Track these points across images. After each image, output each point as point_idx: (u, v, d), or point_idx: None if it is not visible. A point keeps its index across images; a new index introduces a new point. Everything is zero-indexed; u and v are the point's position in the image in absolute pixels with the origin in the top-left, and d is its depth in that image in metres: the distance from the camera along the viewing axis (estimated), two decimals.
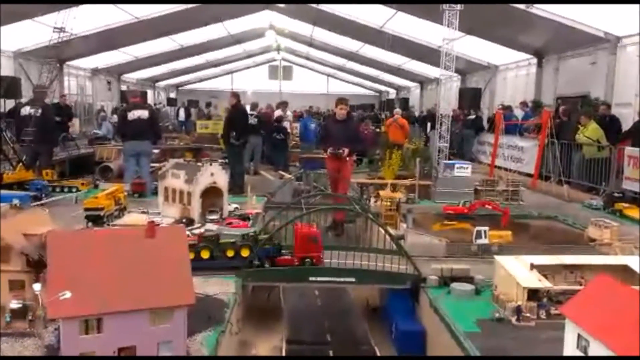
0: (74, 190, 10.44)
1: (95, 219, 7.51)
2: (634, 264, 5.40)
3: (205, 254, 5.92)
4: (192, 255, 5.75)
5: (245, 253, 5.98)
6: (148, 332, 3.72)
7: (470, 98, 20.29)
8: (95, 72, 28.06)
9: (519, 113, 18.82)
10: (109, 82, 29.26)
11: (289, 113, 18.89)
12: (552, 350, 3.96)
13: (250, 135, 14.53)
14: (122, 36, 22.62)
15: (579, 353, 3.80)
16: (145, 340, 3.72)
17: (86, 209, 7.57)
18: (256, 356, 5.28)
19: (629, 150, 11.42)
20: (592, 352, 3.66)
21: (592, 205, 10.40)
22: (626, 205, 9.73)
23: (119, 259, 3.81)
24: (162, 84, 40.03)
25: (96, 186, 11.26)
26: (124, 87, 30.81)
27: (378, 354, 5.71)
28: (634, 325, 3.44)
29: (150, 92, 34.93)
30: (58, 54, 12.72)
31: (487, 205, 9.21)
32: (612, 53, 15.49)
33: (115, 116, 21.73)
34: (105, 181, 12.26)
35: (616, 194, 10.27)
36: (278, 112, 18.89)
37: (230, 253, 5.96)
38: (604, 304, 3.74)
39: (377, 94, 44.15)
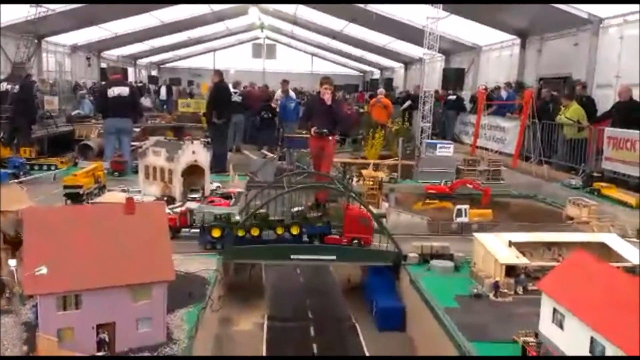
0: (52, 168, 10.29)
1: (75, 197, 7.42)
2: (611, 242, 5.51)
3: (255, 232, 6.04)
4: (242, 233, 5.94)
5: (295, 231, 6.09)
6: (127, 309, 3.71)
7: (454, 78, 20.29)
8: (75, 48, 27.47)
9: (502, 93, 18.90)
10: (88, 59, 28.67)
11: (291, 93, 18.65)
12: (528, 325, 4.03)
13: (233, 114, 14.58)
14: (102, 12, 22.13)
15: (554, 327, 3.88)
16: (125, 316, 3.71)
17: (65, 187, 7.48)
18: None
19: (609, 130, 11.54)
20: (567, 326, 3.73)
21: (571, 185, 10.53)
22: (604, 184, 9.87)
23: (97, 235, 3.78)
24: (143, 61, 39.37)
25: (75, 164, 11.11)
26: (104, 65, 30.25)
27: (359, 330, 5.77)
28: (609, 300, 3.51)
29: (131, 70, 34.36)
30: (36, 30, 12.41)
31: (468, 185, 9.31)
32: (594, 34, 15.55)
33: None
34: (85, 159, 12.08)
35: (595, 174, 10.41)
36: (279, 92, 18.71)
37: (279, 231, 6.08)
38: (580, 280, 3.81)
39: (362, 74, 43.97)
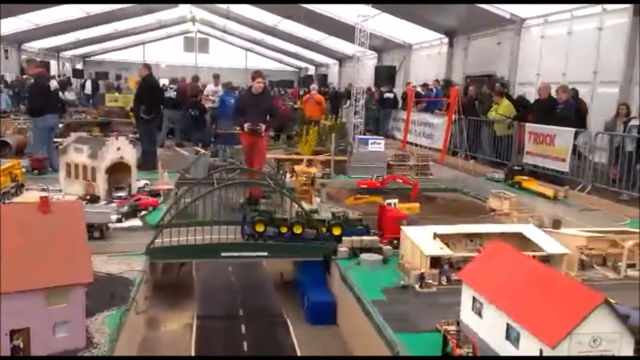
0: None
1: None
2: (528, 232, 5.79)
3: (297, 229, 6.13)
4: (284, 229, 6.07)
5: (337, 231, 6.17)
6: (42, 313, 3.54)
7: (385, 76, 20.69)
8: None
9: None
10: (6, 51, 27.01)
11: (219, 87, 18.33)
12: (451, 314, 4.17)
13: (168, 109, 15.15)
14: (22, 2, 20.88)
15: (474, 315, 4.03)
16: (40, 321, 3.54)
17: None
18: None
19: (529, 126, 12.14)
20: (485, 314, 3.89)
21: (493, 178, 11.00)
22: (524, 177, 10.39)
23: (10, 236, 3.57)
24: (67, 54, 37.53)
25: None
26: (24, 57, 28.59)
27: (290, 325, 5.77)
28: (523, 288, 3.69)
29: (54, 63, 32.70)
30: None
31: (398, 179, 9.53)
32: (517, 34, 16.31)
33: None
34: (1, 157, 11.36)
35: (516, 168, 10.93)
36: (210, 87, 18.34)
37: (322, 230, 6.16)
38: (497, 268, 3.98)
39: (297, 70, 43.95)
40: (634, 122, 10.25)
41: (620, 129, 10.52)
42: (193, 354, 5.14)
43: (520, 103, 13.86)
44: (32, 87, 10.90)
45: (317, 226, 6.20)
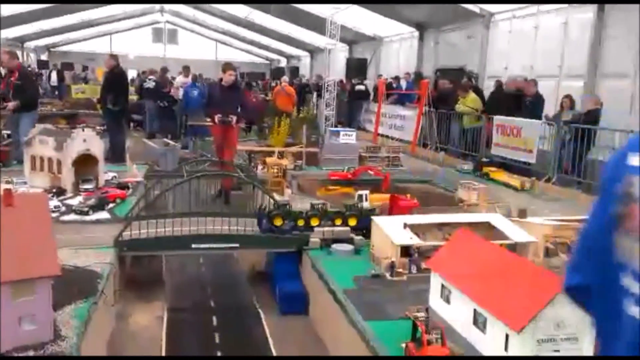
0: None
1: None
2: (495, 221, 5.91)
3: (315, 222, 6.18)
4: (301, 222, 6.14)
5: (352, 222, 6.18)
6: (8, 307, 3.45)
7: (356, 68, 20.71)
8: None
9: (402, 83, 19.58)
10: None
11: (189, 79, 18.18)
12: (421, 302, 4.24)
13: (147, 100, 15.96)
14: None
15: (442, 302, 4.12)
16: (5, 315, 3.45)
17: None
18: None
19: (497, 118, 12.34)
20: (453, 300, 3.97)
21: (463, 170, 11.16)
22: (493, 169, 10.58)
23: None
24: (31, 44, 36.49)
25: None
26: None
27: (262, 316, 5.78)
28: (489, 274, 3.78)
29: (17, 54, 31.69)
30: None
31: (369, 171, 9.58)
32: (486, 28, 16.53)
33: None
34: None
35: (484, 159, 11.11)
36: (180, 79, 18.14)
37: (338, 222, 6.19)
38: (464, 256, 4.06)
39: (268, 62, 43.65)
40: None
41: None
42: (164, 346, 5.11)
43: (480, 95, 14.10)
44: (26, 79, 10.52)
45: (334, 218, 6.22)
